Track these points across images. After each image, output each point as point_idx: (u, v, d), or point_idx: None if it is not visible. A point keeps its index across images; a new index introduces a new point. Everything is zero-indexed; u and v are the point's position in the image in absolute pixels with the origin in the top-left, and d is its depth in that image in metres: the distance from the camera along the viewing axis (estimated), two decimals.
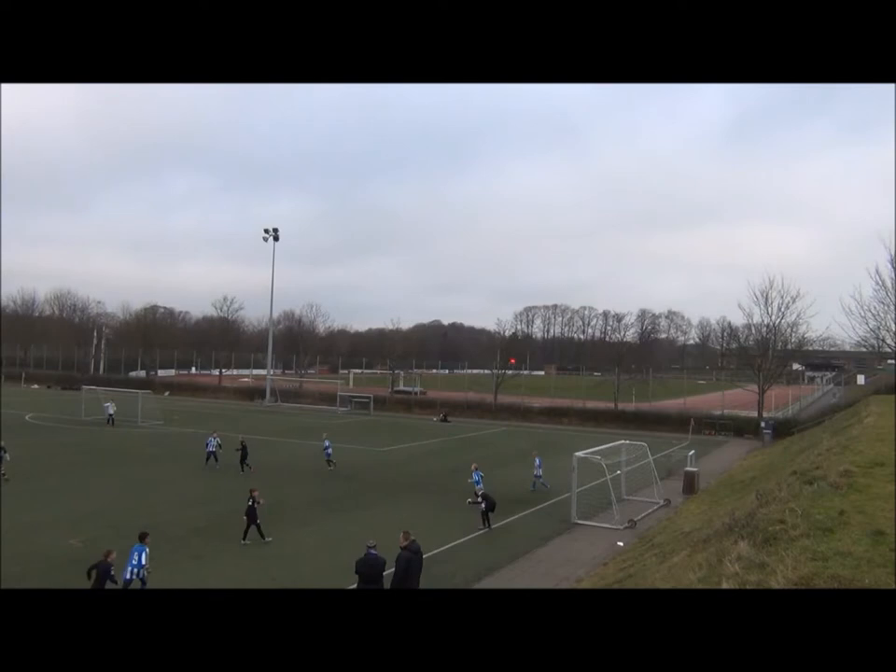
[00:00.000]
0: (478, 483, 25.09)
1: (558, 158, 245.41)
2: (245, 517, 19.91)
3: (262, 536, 19.85)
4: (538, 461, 29.16)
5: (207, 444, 32.39)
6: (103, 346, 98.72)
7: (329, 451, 33.48)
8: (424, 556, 14.34)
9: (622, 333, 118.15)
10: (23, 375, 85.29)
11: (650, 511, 25.40)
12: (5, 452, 27.58)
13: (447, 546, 19.81)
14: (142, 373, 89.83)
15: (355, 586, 13.38)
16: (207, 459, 31.91)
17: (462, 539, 20.79)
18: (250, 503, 20.01)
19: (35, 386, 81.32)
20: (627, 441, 28.96)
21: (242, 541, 19.63)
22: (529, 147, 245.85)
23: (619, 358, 71.57)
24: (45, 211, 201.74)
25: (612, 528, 22.46)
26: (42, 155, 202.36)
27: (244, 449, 31.41)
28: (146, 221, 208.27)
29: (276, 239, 69.48)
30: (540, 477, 28.77)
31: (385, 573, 13.46)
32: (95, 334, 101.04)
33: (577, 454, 24.60)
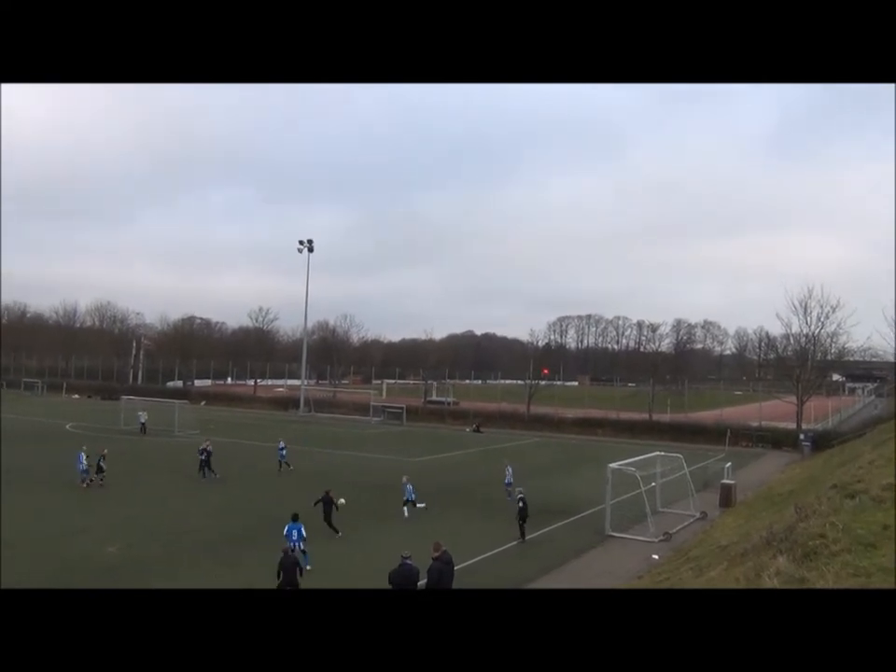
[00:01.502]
0: (411, 497, 25.25)
1: (594, 166, 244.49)
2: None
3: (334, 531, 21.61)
4: (509, 470, 29.18)
5: (200, 453, 32.51)
6: (141, 357, 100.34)
7: (283, 452, 33.95)
8: (455, 568, 14.27)
9: (656, 343, 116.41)
10: (65, 385, 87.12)
11: (685, 523, 25.02)
12: (104, 459, 29.38)
13: (479, 557, 19.69)
14: (179, 383, 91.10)
15: None
16: (200, 468, 32.05)
17: (495, 551, 20.67)
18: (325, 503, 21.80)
19: (76, 396, 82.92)
20: (662, 453, 28.60)
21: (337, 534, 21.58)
22: (565, 155, 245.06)
23: (654, 369, 70.86)
24: (87, 224, 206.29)
25: (647, 541, 22.16)
26: (86, 169, 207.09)
27: (206, 454, 31.78)
28: (185, 234, 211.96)
29: (311, 250, 70.12)
30: (510, 484, 28.57)
31: (418, 584, 13.42)
32: (134, 345, 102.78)
33: (611, 465, 24.36)
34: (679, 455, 28.80)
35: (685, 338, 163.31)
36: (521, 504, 22.32)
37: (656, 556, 20.27)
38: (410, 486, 25.42)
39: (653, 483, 26.76)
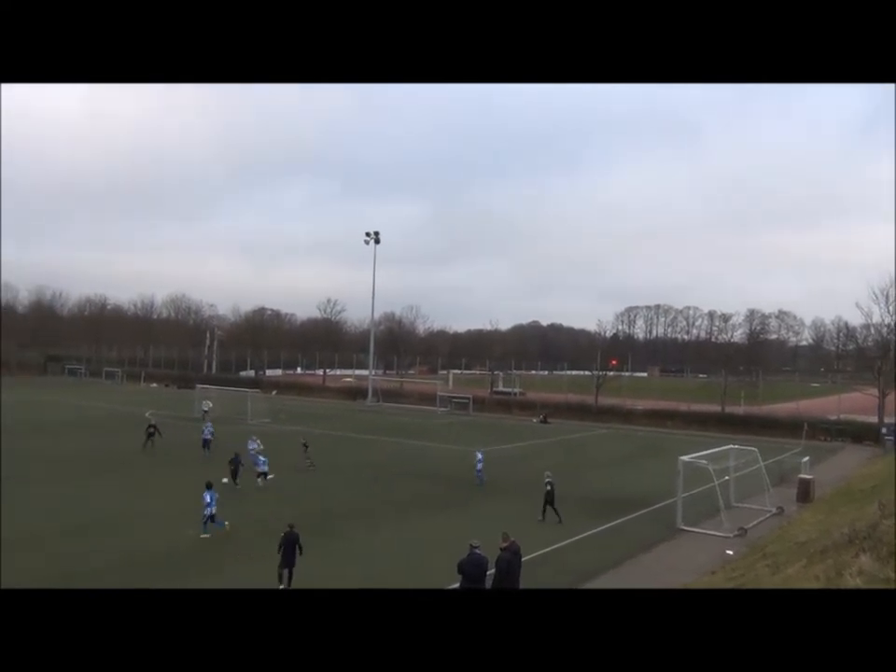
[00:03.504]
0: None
1: (667, 157, 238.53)
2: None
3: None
4: (479, 455, 29.40)
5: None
6: (215, 347, 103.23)
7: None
8: (523, 559, 14.25)
9: (729, 334, 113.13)
10: (143, 374, 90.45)
11: (761, 518, 24.33)
12: (307, 447, 31.86)
13: (548, 549, 19.56)
14: (251, 373, 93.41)
15: (457, 585, 13.37)
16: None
17: (563, 542, 20.52)
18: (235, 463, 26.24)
19: (154, 385, 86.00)
20: (736, 446, 27.86)
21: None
22: (637, 146, 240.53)
23: (726, 360, 68.80)
24: (166, 220, 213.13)
25: (721, 536, 21.63)
26: (167, 167, 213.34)
27: (151, 429, 33.77)
28: (256, 227, 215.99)
29: (377, 242, 70.83)
30: (480, 471, 29.00)
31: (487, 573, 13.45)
32: (208, 335, 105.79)
33: (682, 458, 23.87)
34: (753, 448, 28.00)
35: (759, 328, 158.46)
36: (548, 488, 23.08)
37: (730, 552, 19.77)
38: (255, 449, 28.18)
39: (727, 477, 26.11)
